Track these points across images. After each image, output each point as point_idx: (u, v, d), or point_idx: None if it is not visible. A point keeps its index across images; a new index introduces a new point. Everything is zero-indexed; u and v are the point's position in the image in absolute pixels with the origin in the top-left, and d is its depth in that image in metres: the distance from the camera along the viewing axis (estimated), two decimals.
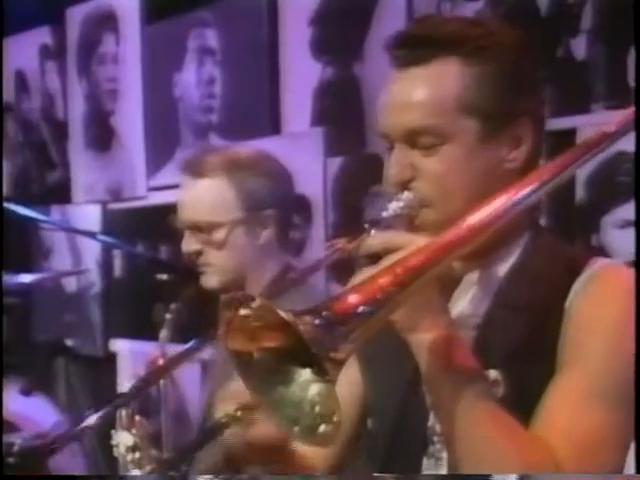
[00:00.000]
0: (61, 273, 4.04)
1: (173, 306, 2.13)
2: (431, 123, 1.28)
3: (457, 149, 1.28)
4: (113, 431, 1.99)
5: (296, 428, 1.08)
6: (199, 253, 2.03)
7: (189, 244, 2.05)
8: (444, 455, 1.33)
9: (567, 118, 2.37)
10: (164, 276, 2.25)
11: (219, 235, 2.01)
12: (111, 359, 3.95)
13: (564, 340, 1.26)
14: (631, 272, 1.32)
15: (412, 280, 1.10)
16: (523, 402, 1.23)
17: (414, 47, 1.29)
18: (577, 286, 1.29)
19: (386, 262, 1.15)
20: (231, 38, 3.42)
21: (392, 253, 1.16)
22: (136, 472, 1.92)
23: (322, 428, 1.06)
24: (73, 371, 4.17)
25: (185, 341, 1.55)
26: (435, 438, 1.34)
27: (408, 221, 1.28)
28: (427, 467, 1.34)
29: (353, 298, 1.07)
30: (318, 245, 2.97)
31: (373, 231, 1.24)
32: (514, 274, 1.33)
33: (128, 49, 3.92)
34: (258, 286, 2.04)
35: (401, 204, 1.28)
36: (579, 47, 2.47)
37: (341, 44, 3.05)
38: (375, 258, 1.18)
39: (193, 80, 3.62)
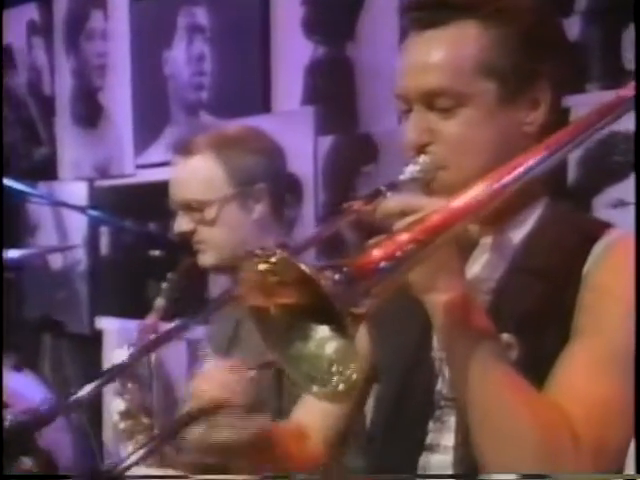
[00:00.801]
0: (48, 249, 4.02)
1: (170, 275, 2.13)
2: (449, 84, 1.28)
3: (475, 111, 1.29)
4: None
5: (314, 386, 1.09)
6: (193, 232, 2.04)
7: (182, 224, 2.05)
8: (451, 419, 1.34)
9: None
10: (156, 252, 2.25)
11: (211, 213, 2.01)
12: (97, 337, 3.95)
13: (580, 306, 1.27)
14: None
15: (431, 239, 1.11)
16: (536, 366, 1.24)
17: (432, 10, 1.30)
18: (595, 253, 1.29)
19: (403, 224, 1.15)
20: (221, 16, 3.41)
21: (409, 215, 1.16)
22: (128, 443, 1.93)
23: (341, 387, 1.07)
24: (61, 348, 4.17)
25: (178, 313, 1.55)
26: (442, 402, 1.35)
27: (424, 184, 1.29)
28: (433, 430, 1.35)
29: (374, 254, 1.07)
30: (309, 224, 2.98)
31: (389, 194, 1.25)
32: (531, 240, 1.34)
33: (116, 25, 3.90)
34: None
35: (417, 167, 1.29)
36: (573, 27, 2.48)
37: (334, 24, 3.05)
38: (391, 221, 1.18)
39: (183, 58, 3.60)
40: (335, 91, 3.04)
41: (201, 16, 3.52)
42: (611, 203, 2.28)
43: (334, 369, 1.08)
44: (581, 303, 1.27)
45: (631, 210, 2.24)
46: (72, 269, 4.11)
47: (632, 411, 1.23)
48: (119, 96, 3.91)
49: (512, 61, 1.29)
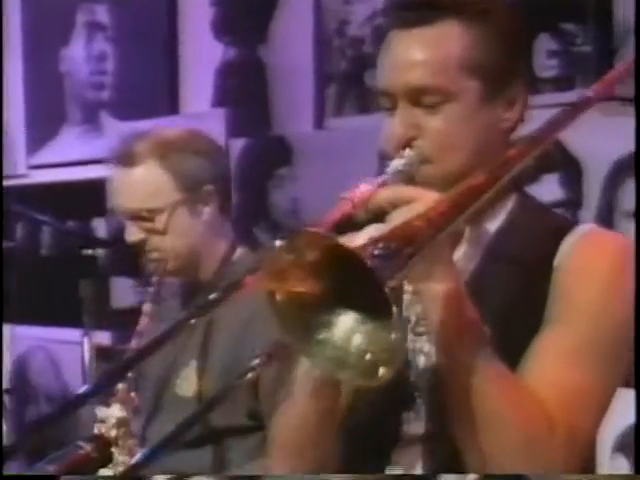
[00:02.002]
0: None
1: (155, 279, 2.11)
2: (436, 82, 1.31)
3: (459, 108, 1.32)
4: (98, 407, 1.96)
5: (344, 370, 1.11)
6: (144, 241, 2.00)
7: (132, 234, 2.01)
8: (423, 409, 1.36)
9: None
10: (89, 251, 2.20)
11: (161, 221, 1.99)
12: None
13: (553, 295, 1.31)
14: (617, 237, 1.41)
15: (446, 223, 1.15)
16: (510, 355, 1.27)
17: (418, 9, 1.33)
18: (565, 245, 1.34)
19: (396, 215, 1.18)
20: (125, 14, 3.35)
21: (401, 206, 1.19)
22: (114, 450, 1.89)
23: (381, 371, 1.08)
24: None
25: None
26: (416, 393, 1.37)
27: (408, 178, 1.30)
28: (407, 420, 1.37)
29: (414, 223, 1.12)
30: None
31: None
32: (504, 232, 1.38)
33: (8, 18, 3.77)
34: (213, 263, 2.03)
35: (403, 161, 1.31)
36: None
37: (245, 26, 3.04)
38: (381, 213, 1.21)
39: (82, 55, 3.52)
40: (247, 93, 3.03)
41: (101, 14, 3.45)
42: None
43: (368, 357, 1.10)
44: (553, 293, 1.32)
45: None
46: None
47: (604, 396, 1.29)
48: (10, 94, 3.79)
49: (493, 60, 1.33)
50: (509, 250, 1.36)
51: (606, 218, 2.30)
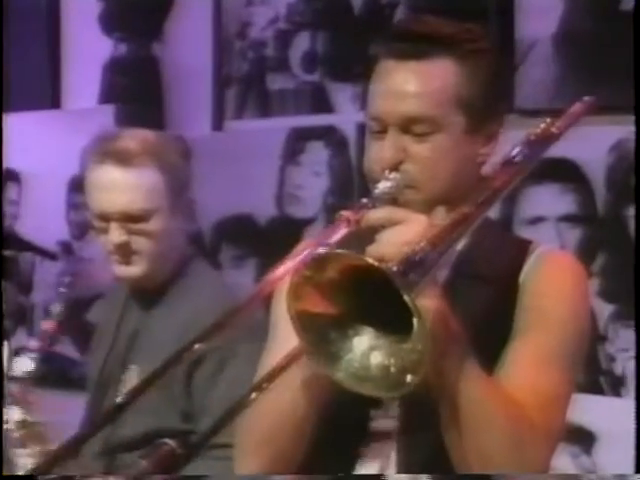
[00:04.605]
0: None
1: (66, 279, 2.03)
2: (426, 112, 1.39)
3: (446, 138, 1.40)
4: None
5: (365, 383, 1.17)
6: (127, 244, 1.93)
7: (118, 235, 1.92)
8: (395, 409, 1.42)
9: None
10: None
11: (156, 223, 1.93)
12: None
13: (520, 308, 1.41)
14: (569, 255, 1.55)
15: (446, 247, 1.24)
16: (481, 363, 1.34)
17: (414, 42, 1.41)
18: (529, 263, 1.45)
19: (387, 233, 1.26)
20: (6, 5, 3.21)
21: (392, 226, 1.27)
22: (20, 451, 1.88)
23: (409, 378, 1.14)
24: None
25: None
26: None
27: (392, 200, 1.38)
28: (374, 417, 1.42)
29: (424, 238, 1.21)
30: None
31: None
32: (469, 252, 1.47)
33: None
34: (168, 270, 1.98)
35: (389, 184, 1.39)
36: None
37: (138, 23, 2.98)
38: (372, 230, 1.28)
39: None
40: (139, 91, 2.98)
41: None
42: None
43: (389, 366, 1.16)
44: (521, 306, 1.42)
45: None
46: None
47: (570, 396, 1.41)
48: None
49: (479, 97, 1.41)
50: (475, 268, 1.46)
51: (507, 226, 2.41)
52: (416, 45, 1.40)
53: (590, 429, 2.32)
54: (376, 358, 1.17)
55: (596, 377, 2.34)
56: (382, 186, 1.38)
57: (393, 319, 1.15)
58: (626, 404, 2.28)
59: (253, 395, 1.25)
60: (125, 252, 1.93)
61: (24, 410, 1.94)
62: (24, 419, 1.93)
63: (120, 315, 2.02)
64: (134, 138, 1.96)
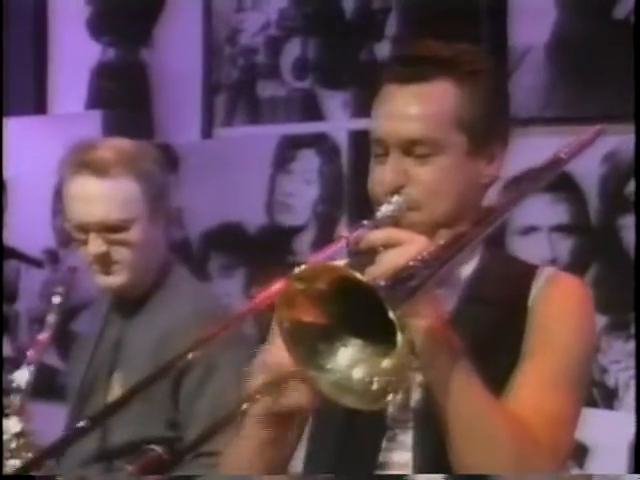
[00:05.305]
0: None
1: (60, 289, 2.00)
2: (428, 134, 1.40)
3: (447, 160, 1.41)
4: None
5: (348, 396, 1.17)
6: (107, 254, 1.90)
7: (97, 246, 1.90)
8: (407, 439, 1.42)
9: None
10: None
11: (135, 232, 1.91)
12: None
13: (529, 331, 1.42)
14: (575, 279, 1.52)
15: (440, 266, 1.24)
16: (489, 386, 1.34)
17: (415, 65, 1.42)
18: (537, 287, 1.46)
19: (386, 255, 1.26)
20: None
21: (392, 247, 1.27)
22: (13, 462, 1.86)
23: (390, 397, 1.16)
24: None
25: None
26: (394, 424, 1.43)
27: (394, 222, 1.39)
28: (386, 449, 1.42)
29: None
30: None
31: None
32: (479, 275, 1.48)
33: None
34: (143, 281, 1.96)
35: (391, 207, 1.40)
36: (383, 50, 2.62)
37: (126, 27, 2.95)
38: (372, 251, 1.29)
39: None
40: (128, 97, 2.95)
41: None
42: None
43: (375, 387, 1.16)
44: (530, 329, 1.43)
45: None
46: None
47: (577, 415, 1.42)
48: None
49: (480, 118, 1.42)
50: (484, 293, 1.46)
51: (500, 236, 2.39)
52: (417, 68, 1.41)
53: (583, 442, 2.30)
54: (357, 373, 1.18)
55: (589, 389, 2.31)
56: (384, 209, 1.39)
57: (381, 334, 1.15)
58: (619, 416, 2.26)
59: (244, 406, 1.24)
60: (105, 262, 1.91)
61: (22, 421, 1.93)
62: (22, 430, 1.92)
63: (102, 324, 2.00)
64: (110, 148, 1.94)
